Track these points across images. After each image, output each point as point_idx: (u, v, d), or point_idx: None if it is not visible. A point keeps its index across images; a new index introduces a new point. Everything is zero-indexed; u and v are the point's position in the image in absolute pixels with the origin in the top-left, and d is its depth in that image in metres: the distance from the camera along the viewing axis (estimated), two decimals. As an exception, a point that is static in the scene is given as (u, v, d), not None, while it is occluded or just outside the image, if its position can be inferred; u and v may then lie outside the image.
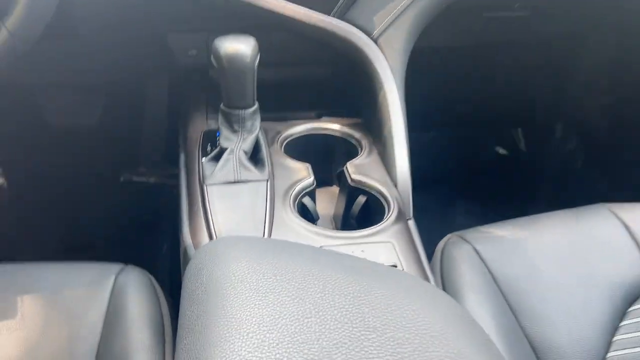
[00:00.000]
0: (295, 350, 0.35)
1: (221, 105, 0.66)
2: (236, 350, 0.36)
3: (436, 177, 1.35)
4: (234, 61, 0.62)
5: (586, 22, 1.11)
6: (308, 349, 0.35)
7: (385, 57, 0.75)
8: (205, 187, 0.62)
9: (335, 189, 0.77)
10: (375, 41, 0.75)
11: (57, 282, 0.67)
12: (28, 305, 0.65)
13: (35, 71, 0.94)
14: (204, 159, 0.67)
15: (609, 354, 0.61)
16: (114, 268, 0.69)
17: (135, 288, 0.66)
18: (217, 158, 0.66)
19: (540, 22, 1.06)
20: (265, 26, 0.73)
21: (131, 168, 1.32)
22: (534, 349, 0.61)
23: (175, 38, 0.82)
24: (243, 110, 0.66)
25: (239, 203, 0.60)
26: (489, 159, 1.50)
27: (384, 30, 0.75)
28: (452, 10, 0.82)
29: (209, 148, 0.70)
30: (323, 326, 0.37)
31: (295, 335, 0.37)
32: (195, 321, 0.40)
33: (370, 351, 0.36)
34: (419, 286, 0.45)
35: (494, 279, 0.66)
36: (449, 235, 0.72)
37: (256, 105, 0.67)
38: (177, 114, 0.85)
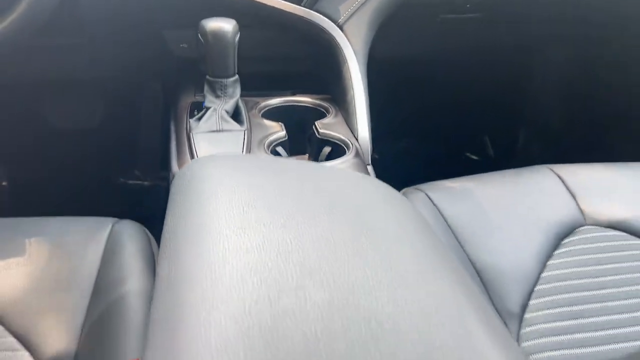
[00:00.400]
0: (260, 204, 0.45)
1: (206, 76, 0.78)
2: (214, 206, 0.45)
3: (408, 182, 1.45)
4: (217, 36, 0.74)
5: (539, 29, 1.25)
6: (272, 203, 0.45)
7: (349, 41, 0.87)
8: (191, 135, 0.72)
9: (306, 157, 0.87)
10: (341, 28, 0.87)
11: (59, 229, 0.76)
12: (34, 247, 0.74)
13: (37, 70, 1.04)
14: (191, 119, 0.77)
15: (543, 274, 0.70)
16: (111, 219, 0.78)
17: (130, 232, 0.75)
18: (202, 118, 0.76)
19: (494, 29, 1.19)
20: (247, 23, 0.85)
21: (127, 171, 1.42)
22: (477, 271, 0.70)
23: (169, 33, 0.94)
24: (225, 79, 0.77)
25: (221, 146, 0.70)
26: (460, 165, 1.61)
27: (348, 19, 0.88)
28: (408, 10, 0.95)
29: (195, 113, 0.81)
30: (282, 190, 0.47)
31: (259, 197, 0.46)
32: (183, 199, 0.49)
33: (317, 201, 0.45)
34: (371, 178, 0.55)
35: (444, 218, 0.75)
36: (405, 189, 0.82)
37: (237, 76, 0.78)
38: (169, 96, 0.96)
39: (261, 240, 0.40)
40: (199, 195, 0.48)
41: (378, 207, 0.47)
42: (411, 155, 1.55)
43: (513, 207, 0.78)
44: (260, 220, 0.43)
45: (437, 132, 1.53)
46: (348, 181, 0.53)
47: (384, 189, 0.53)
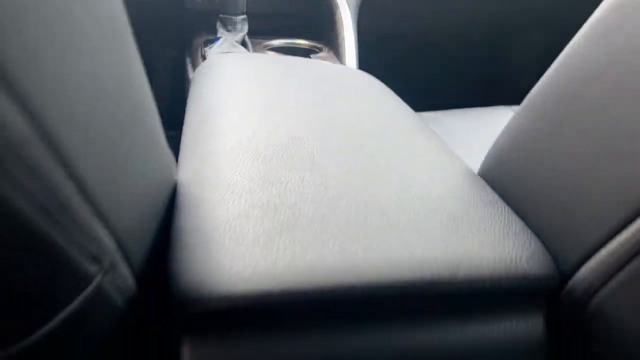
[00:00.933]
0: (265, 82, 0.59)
1: (219, 15, 0.92)
2: (229, 85, 0.59)
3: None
4: None
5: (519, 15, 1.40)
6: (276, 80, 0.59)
7: (342, -6, 1.02)
8: (206, 55, 0.87)
9: None
10: (336, -16, 1.02)
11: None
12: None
13: None
14: (205, 47, 0.92)
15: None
16: None
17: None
18: (214, 45, 0.91)
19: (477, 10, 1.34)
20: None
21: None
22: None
23: None
24: (235, 17, 0.91)
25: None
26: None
27: (342, -24, 1.03)
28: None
29: (209, 44, 0.95)
30: (286, 73, 0.61)
31: (265, 77, 0.60)
32: (206, 76, 0.63)
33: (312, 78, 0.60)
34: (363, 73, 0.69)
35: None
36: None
37: (245, 15, 0.93)
38: (182, 51, 1.10)
39: (264, 97, 0.54)
40: (217, 74, 0.62)
41: (369, 87, 0.61)
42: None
43: (472, 132, 0.92)
44: (262, 89, 0.57)
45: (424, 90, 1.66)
46: (341, 71, 0.67)
47: (376, 81, 0.67)
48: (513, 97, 1.65)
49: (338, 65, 0.68)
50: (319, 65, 0.66)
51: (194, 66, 0.93)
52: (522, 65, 1.61)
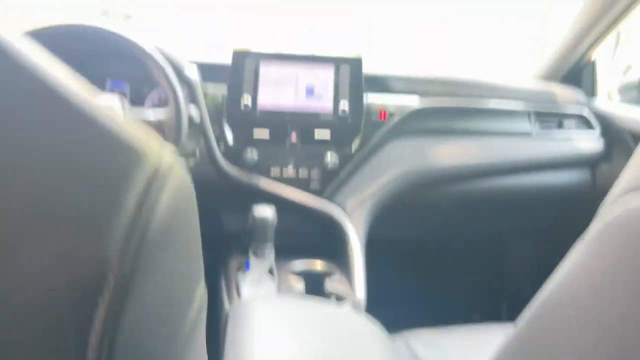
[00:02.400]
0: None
1: (252, 242, 1.06)
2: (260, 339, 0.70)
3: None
4: (262, 220, 1.05)
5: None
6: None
7: (353, 224, 1.18)
8: (239, 284, 1.01)
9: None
10: (349, 215, 1.19)
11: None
12: None
13: None
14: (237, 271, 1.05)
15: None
16: None
17: None
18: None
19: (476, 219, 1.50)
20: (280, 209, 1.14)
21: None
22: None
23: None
24: (264, 244, 1.05)
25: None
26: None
27: (353, 210, 1.20)
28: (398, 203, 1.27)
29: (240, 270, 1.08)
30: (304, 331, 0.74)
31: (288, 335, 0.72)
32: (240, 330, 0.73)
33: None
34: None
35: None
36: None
37: (272, 243, 1.07)
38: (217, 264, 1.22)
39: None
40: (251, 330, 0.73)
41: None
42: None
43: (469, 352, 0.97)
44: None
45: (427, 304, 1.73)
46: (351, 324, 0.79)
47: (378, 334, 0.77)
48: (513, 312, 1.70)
49: (349, 316, 0.83)
50: (331, 316, 0.82)
51: (228, 290, 1.04)
52: (519, 280, 1.71)
